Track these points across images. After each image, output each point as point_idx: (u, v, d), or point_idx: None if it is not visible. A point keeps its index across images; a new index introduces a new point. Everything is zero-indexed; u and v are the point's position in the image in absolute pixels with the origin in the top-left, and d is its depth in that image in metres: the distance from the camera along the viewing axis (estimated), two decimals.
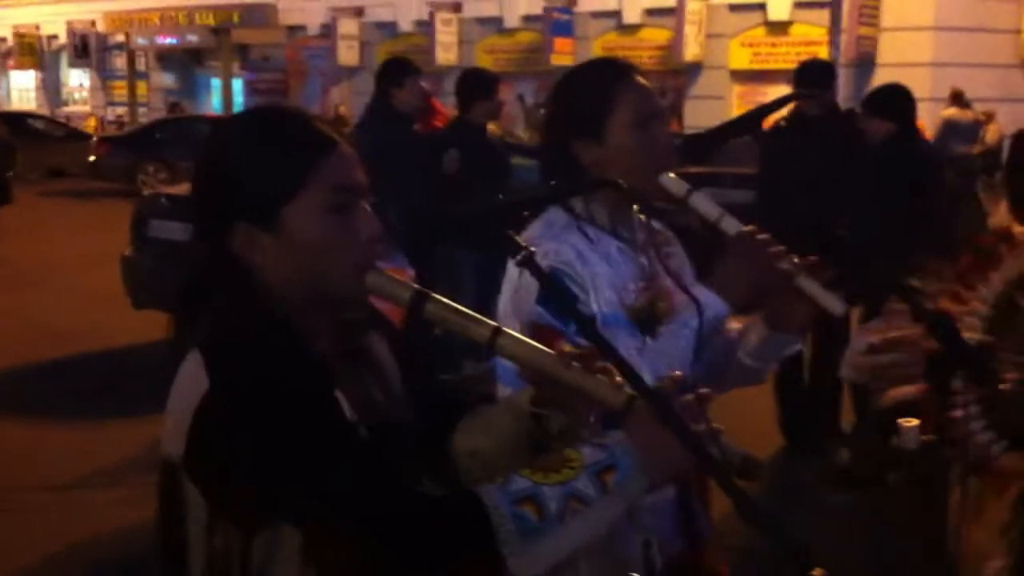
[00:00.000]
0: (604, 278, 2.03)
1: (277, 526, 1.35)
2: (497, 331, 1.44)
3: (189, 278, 1.52)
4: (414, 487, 1.46)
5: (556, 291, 1.70)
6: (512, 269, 2.01)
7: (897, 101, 5.64)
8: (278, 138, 1.47)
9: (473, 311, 1.46)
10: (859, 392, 5.54)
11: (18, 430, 6.38)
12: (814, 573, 1.20)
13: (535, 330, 1.89)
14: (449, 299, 1.46)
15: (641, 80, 2.13)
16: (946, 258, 2.08)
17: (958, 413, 1.80)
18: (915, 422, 1.77)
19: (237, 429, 1.33)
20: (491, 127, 6.78)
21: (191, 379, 1.39)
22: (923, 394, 1.80)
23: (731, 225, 2.00)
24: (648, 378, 1.55)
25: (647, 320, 2.02)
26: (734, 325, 2.13)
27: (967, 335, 1.82)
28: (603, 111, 2.07)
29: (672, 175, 2.04)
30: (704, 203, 2.01)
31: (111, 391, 7.05)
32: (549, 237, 2.02)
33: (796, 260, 1.94)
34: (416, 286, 1.45)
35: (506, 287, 2.06)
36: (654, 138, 2.08)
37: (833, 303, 1.93)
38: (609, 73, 2.13)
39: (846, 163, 5.50)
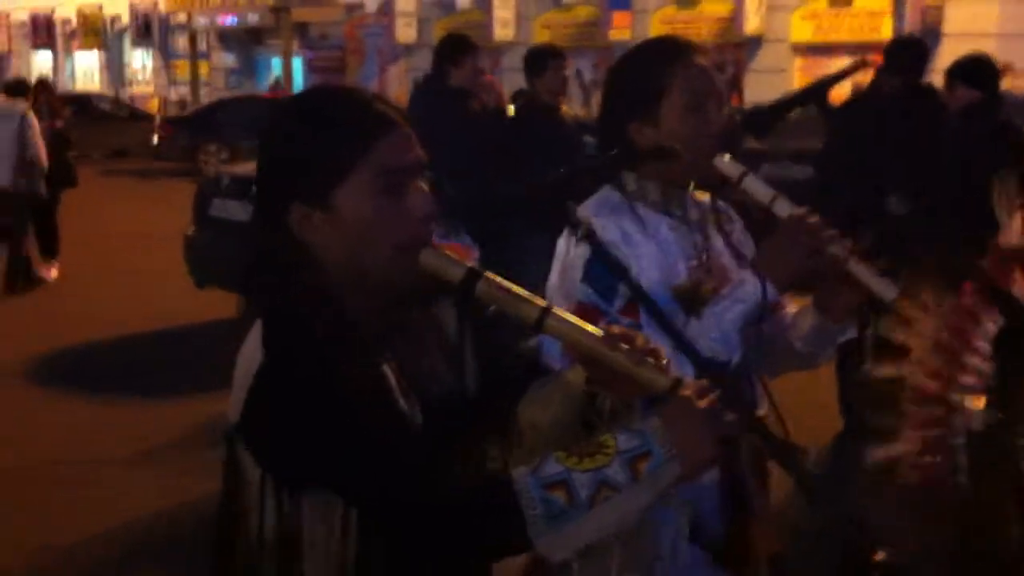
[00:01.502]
0: (650, 259, 2.01)
1: (323, 493, 1.41)
2: (546, 311, 1.44)
3: (251, 257, 1.54)
4: (451, 463, 1.47)
5: (605, 267, 1.69)
6: (561, 246, 2.02)
7: (983, 70, 5.55)
8: (331, 120, 1.49)
9: (533, 291, 1.46)
10: None
11: (85, 406, 6.50)
12: (876, 555, 1.17)
13: (578, 308, 1.89)
14: (514, 279, 1.46)
15: (699, 60, 2.09)
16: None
17: None
18: (982, 401, 1.73)
19: (286, 399, 1.39)
20: (564, 107, 6.71)
21: (251, 352, 1.44)
22: (991, 373, 1.76)
23: (783, 207, 1.98)
24: (687, 359, 1.53)
25: (691, 300, 2.01)
26: (790, 308, 2.10)
27: None
28: (657, 93, 2.05)
29: (727, 157, 2.01)
30: (757, 185, 2.00)
31: (174, 369, 7.16)
32: (599, 216, 2.00)
33: (849, 244, 1.92)
34: (468, 264, 1.46)
35: (556, 264, 2.06)
36: (709, 120, 2.05)
37: (885, 288, 1.90)
38: (664, 53, 2.10)
39: (925, 141, 5.40)
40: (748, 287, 1.96)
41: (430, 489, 1.37)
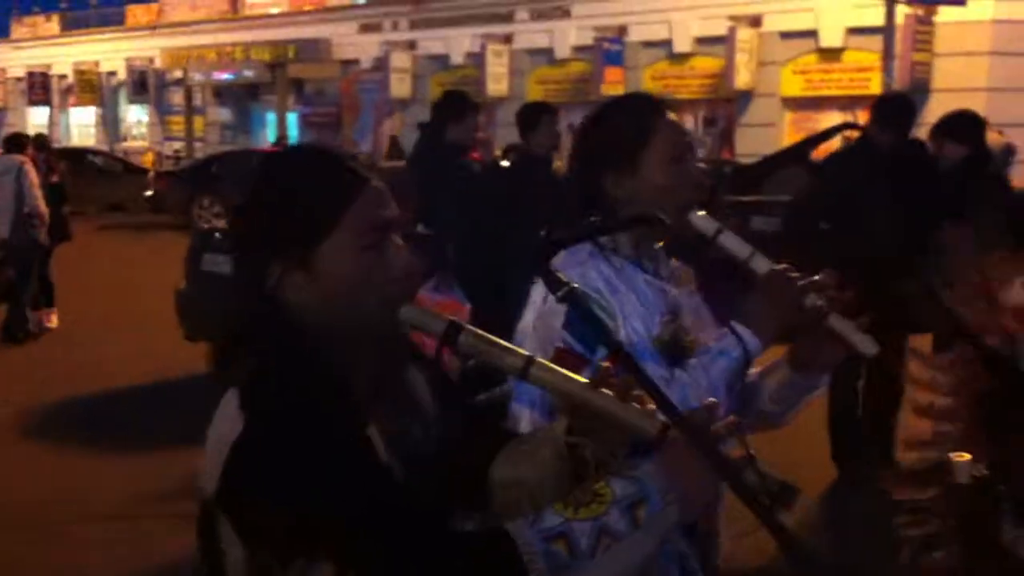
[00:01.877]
0: (632, 307, 2.01)
1: (312, 561, 1.35)
2: (530, 361, 1.44)
3: (231, 314, 1.53)
4: (446, 523, 1.45)
5: (584, 317, 1.69)
6: (536, 294, 2.02)
7: (970, 126, 5.62)
8: (309, 179, 1.50)
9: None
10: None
11: (72, 461, 6.46)
12: None
13: (559, 356, 1.88)
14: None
15: (673, 116, 2.12)
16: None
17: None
18: (967, 456, 1.73)
19: (271, 466, 1.35)
20: (558, 162, 6.76)
21: (229, 416, 1.41)
22: (975, 429, 1.76)
23: (761, 264, 1.97)
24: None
25: (674, 352, 2.00)
26: (753, 368, 2.09)
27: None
28: (639, 144, 2.06)
29: (702, 213, 2.02)
30: (734, 242, 1.99)
31: (165, 422, 7.12)
32: (574, 264, 2.00)
33: (828, 297, 1.91)
34: (450, 317, 1.46)
35: (529, 311, 2.05)
36: (686, 173, 2.07)
37: (865, 344, 1.90)
38: (645, 107, 2.12)
39: (920, 193, 5.44)
40: (732, 340, 1.96)
41: (433, 553, 1.34)
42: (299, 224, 1.46)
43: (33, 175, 9.84)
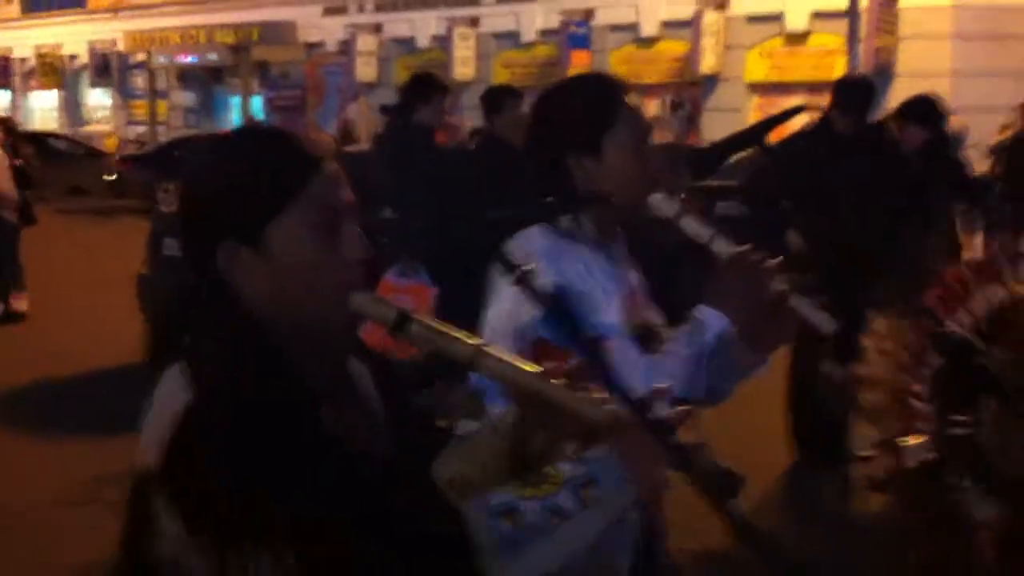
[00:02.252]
0: (605, 294, 2.00)
1: (255, 544, 1.32)
2: (479, 349, 1.42)
3: (174, 295, 1.51)
4: (392, 514, 1.43)
5: (560, 311, 1.67)
6: (505, 284, 1.97)
7: (930, 110, 5.67)
8: (261, 157, 1.47)
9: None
10: None
11: (32, 447, 6.42)
12: None
13: (541, 349, 1.85)
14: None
15: (634, 100, 2.11)
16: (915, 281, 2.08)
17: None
18: (916, 440, 1.74)
19: (219, 443, 1.32)
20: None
21: (170, 394, 1.39)
22: (928, 413, 1.77)
23: (723, 247, 1.98)
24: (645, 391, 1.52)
25: (646, 337, 2.00)
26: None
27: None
28: (602, 127, 2.05)
29: (663, 195, 2.02)
30: (694, 225, 1.99)
31: (125, 409, 7.06)
32: (546, 253, 1.98)
33: (790, 279, 1.92)
34: (399, 307, 1.43)
35: (498, 303, 2.01)
36: (648, 157, 2.06)
37: (824, 322, 1.92)
38: (609, 89, 2.10)
39: (881, 177, 5.47)
40: (702, 324, 1.96)
41: (385, 535, 1.33)
42: (248, 201, 1.43)
43: (2, 158, 9.91)
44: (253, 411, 1.33)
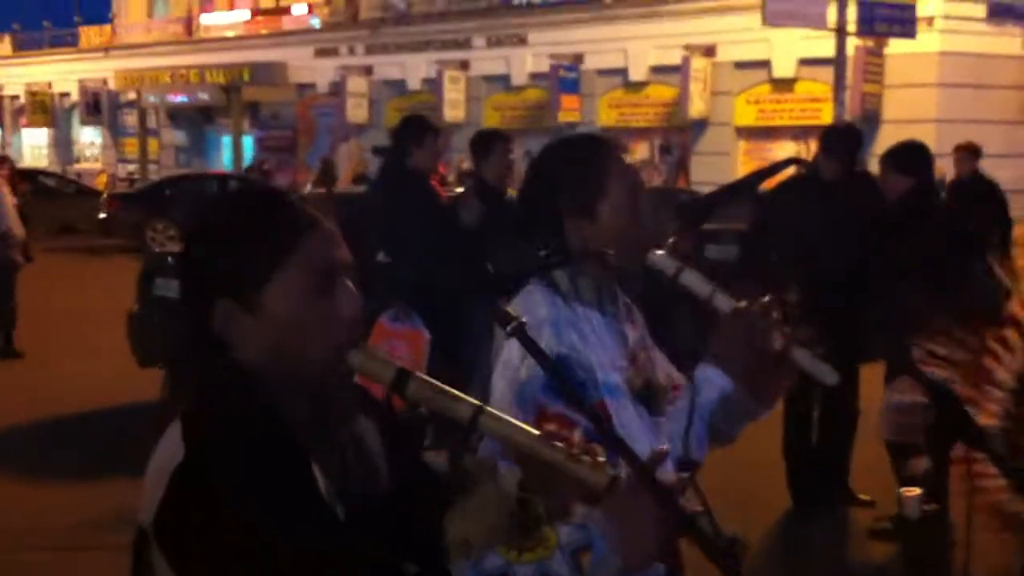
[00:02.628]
0: (604, 356, 2.02)
1: None
2: (479, 410, 1.42)
3: (179, 347, 1.53)
4: (392, 568, 1.43)
5: (563, 380, 1.67)
6: (512, 349, 1.96)
7: (917, 157, 5.67)
8: (256, 220, 1.49)
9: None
10: (895, 451, 5.45)
11: (19, 488, 6.35)
12: None
13: (547, 418, 1.84)
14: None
15: (624, 156, 2.15)
16: (961, 324, 2.09)
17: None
18: (917, 491, 1.75)
19: (207, 500, 1.34)
20: (511, 191, 6.74)
21: (169, 448, 1.40)
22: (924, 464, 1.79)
23: (724, 302, 1.99)
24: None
25: (648, 398, 2.01)
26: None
27: (986, 421, 1.83)
28: (597, 192, 2.06)
29: (661, 252, 2.04)
30: (695, 280, 2.00)
31: (114, 449, 7.01)
32: (550, 321, 1.99)
33: (790, 332, 1.94)
34: (398, 365, 1.44)
35: (504, 369, 2.00)
36: (642, 215, 2.08)
37: (826, 374, 1.93)
38: (599, 151, 2.13)
39: (864, 226, 5.50)
40: (703, 383, 1.97)
41: None
42: (242, 265, 1.45)
43: (7, 195, 10.10)
44: (243, 467, 1.35)
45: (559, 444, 1.42)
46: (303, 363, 1.45)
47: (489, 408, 1.44)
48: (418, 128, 6.55)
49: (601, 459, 1.41)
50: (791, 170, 5.94)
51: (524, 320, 1.49)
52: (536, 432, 1.44)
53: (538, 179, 2.15)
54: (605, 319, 2.07)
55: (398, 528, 1.51)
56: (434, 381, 1.44)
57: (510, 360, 1.98)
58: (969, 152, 11.50)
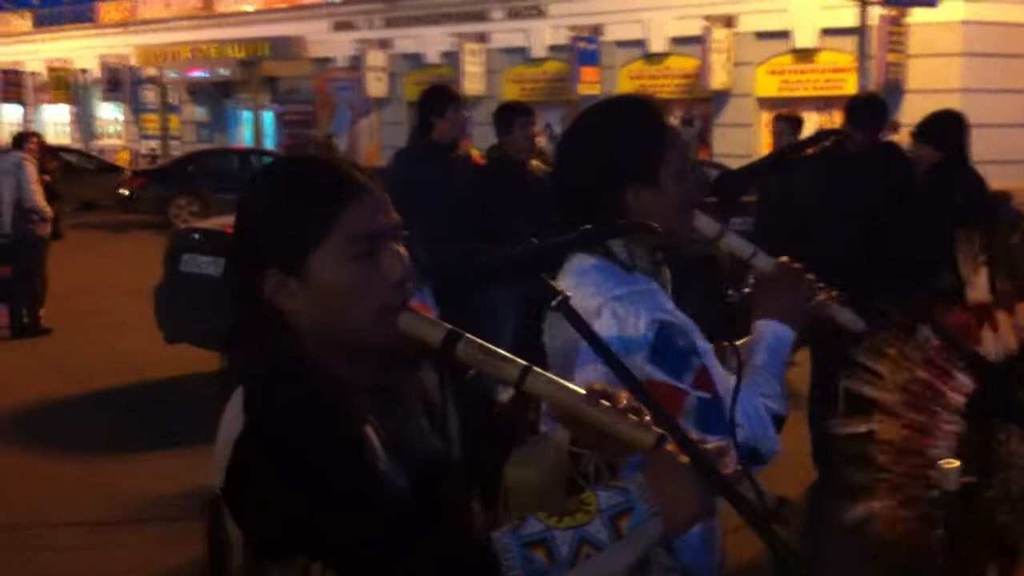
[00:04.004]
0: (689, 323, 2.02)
1: (305, 561, 1.40)
2: (527, 370, 1.44)
3: (230, 322, 1.56)
4: (457, 520, 1.47)
5: (668, 348, 1.69)
6: (605, 324, 1.89)
7: (945, 130, 5.63)
8: (303, 188, 1.52)
9: (508, 347, 1.46)
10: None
11: (49, 464, 6.42)
12: None
13: (653, 390, 1.75)
14: (484, 336, 1.46)
15: (673, 119, 2.14)
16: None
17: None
18: (955, 463, 1.75)
19: (264, 466, 1.39)
20: (534, 162, 6.72)
21: (233, 417, 1.45)
22: (964, 435, 1.79)
23: (765, 261, 2.06)
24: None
25: (722, 358, 2.03)
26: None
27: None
28: (657, 159, 2.01)
29: (705, 216, 2.05)
30: (737, 242, 2.05)
31: (142, 425, 7.09)
32: (627, 294, 1.95)
33: (826, 289, 2.05)
34: (448, 326, 1.47)
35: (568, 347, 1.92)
36: (693, 180, 2.08)
37: (855, 322, 2.07)
38: (656, 116, 2.06)
39: (893, 197, 5.47)
40: (773, 336, 2.03)
41: (411, 554, 1.36)
42: (288, 232, 1.49)
43: (32, 171, 10.18)
44: (298, 436, 1.39)
45: (605, 403, 1.44)
46: (349, 328, 1.49)
47: (536, 368, 1.45)
48: (439, 98, 6.50)
49: (646, 418, 1.43)
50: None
51: (568, 295, 1.50)
52: (582, 391, 1.45)
53: (589, 147, 2.06)
54: (659, 287, 2.06)
55: (464, 480, 1.56)
56: (483, 342, 1.46)
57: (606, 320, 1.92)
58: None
